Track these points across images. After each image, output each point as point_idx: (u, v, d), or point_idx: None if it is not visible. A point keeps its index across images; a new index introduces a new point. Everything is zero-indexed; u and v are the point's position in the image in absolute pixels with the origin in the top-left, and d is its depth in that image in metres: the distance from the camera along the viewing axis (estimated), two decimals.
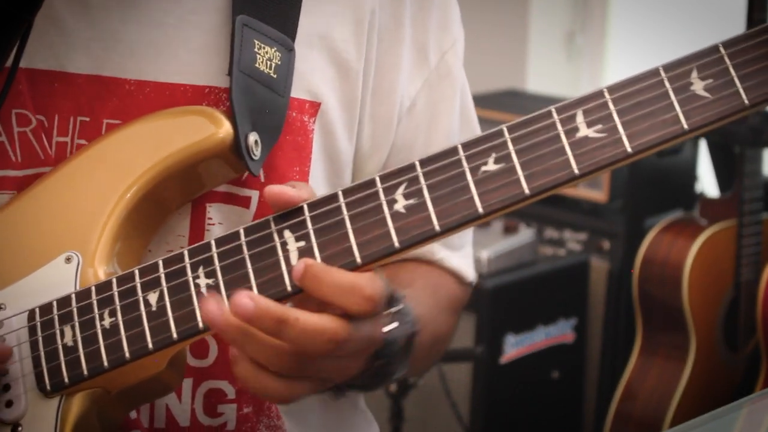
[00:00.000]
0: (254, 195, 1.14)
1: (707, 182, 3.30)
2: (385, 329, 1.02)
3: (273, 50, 1.11)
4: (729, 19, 3.38)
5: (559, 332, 3.10)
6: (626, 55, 3.99)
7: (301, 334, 0.91)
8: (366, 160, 1.22)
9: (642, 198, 3.17)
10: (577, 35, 4.05)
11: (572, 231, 3.22)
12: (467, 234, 1.34)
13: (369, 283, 0.92)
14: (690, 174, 3.27)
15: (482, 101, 3.18)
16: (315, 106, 1.16)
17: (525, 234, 3.18)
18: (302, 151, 1.16)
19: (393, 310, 1.05)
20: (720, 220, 2.94)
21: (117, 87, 1.10)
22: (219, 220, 1.13)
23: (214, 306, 0.91)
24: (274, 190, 0.96)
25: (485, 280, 2.95)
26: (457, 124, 1.28)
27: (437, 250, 1.28)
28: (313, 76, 1.16)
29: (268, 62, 1.11)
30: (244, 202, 1.13)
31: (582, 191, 3.21)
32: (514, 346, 2.99)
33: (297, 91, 1.15)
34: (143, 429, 1.13)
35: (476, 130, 1.32)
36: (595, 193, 3.18)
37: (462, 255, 1.32)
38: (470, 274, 1.33)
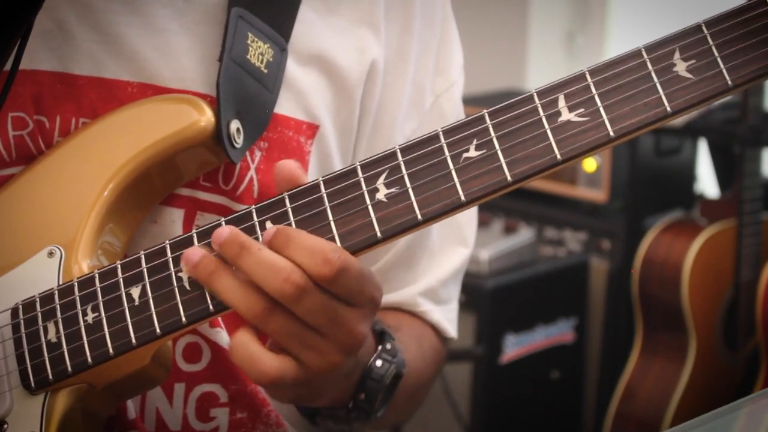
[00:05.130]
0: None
1: (707, 182, 3.30)
2: (377, 364, 1.05)
3: (266, 46, 1.11)
4: None
5: (559, 332, 3.10)
6: None
7: (259, 263, 0.93)
8: None
9: (642, 198, 3.17)
10: (577, 35, 4.05)
11: (572, 231, 3.22)
12: (455, 290, 1.33)
13: (333, 249, 0.93)
14: (690, 174, 3.27)
15: (482, 101, 3.17)
16: (313, 128, 1.16)
17: (525, 234, 3.18)
18: None
19: (384, 347, 1.06)
20: (720, 220, 2.94)
21: (119, 90, 1.10)
22: None
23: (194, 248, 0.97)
24: (286, 163, 0.97)
25: (485, 280, 2.95)
26: None
27: (421, 302, 1.28)
28: (312, 97, 1.16)
29: (260, 56, 1.11)
30: None
31: (582, 191, 3.21)
32: (514, 346, 2.99)
33: (295, 112, 1.15)
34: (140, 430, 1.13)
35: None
36: (595, 193, 3.18)
37: (447, 310, 1.31)
38: (450, 330, 1.31)
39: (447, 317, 1.30)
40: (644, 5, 4.03)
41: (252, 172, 1.13)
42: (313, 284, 0.93)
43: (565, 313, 3.10)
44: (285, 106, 1.14)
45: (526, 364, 3.01)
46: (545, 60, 3.98)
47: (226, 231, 0.94)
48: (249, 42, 1.10)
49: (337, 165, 1.19)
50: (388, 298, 1.26)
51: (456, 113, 1.27)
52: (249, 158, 1.13)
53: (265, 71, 1.11)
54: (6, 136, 1.09)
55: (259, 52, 1.11)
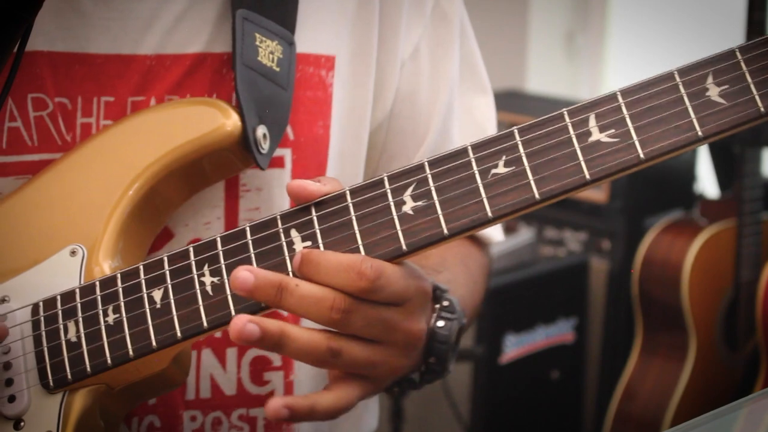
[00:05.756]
0: (287, 153, 1.14)
1: (707, 182, 3.30)
2: (438, 325, 1.04)
3: (274, 43, 1.12)
4: (728, 20, 3.38)
5: (559, 332, 3.10)
6: (626, 55, 3.99)
7: (301, 300, 0.93)
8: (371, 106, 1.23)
9: (642, 198, 3.17)
10: (577, 35, 4.05)
11: (572, 231, 3.22)
12: None
13: (363, 260, 0.93)
14: (690, 174, 3.27)
15: None
16: (330, 60, 1.17)
17: (525, 234, 3.17)
18: (323, 105, 1.17)
19: (442, 305, 1.06)
20: (720, 220, 2.94)
21: (137, 64, 1.11)
22: (256, 186, 1.13)
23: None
24: (294, 185, 0.97)
25: None
26: (457, 70, 1.28)
27: None
28: (324, 30, 1.17)
29: (270, 55, 1.11)
30: (278, 162, 1.14)
31: (582, 191, 3.21)
32: (514, 346, 2.99)
33: (311, 47, 1.16)
34: (188, 401, 1.14)
35: (481, 76, 1.32)
36: (595, 193, 3.18)
37: None
38: (495, 234, 1.32)
39: None
40: (644, 5, 4.02)
41: None
42: (358, 301, 0.93)
43: (565, 313, 3.10)
44: (300, 43, 1.15)
45: (526, 364, 3.01)
46: (545, 60, 3.98)
47: (249, 278, 0.93)
48: (258, 43, 1.10)
49: (360, 92, 1.19)
50: None
51: (459, 13, 1.28)
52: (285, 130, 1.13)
53: (277, 69, 1.11)
54: (27, 117, 1.09)
55: (269, 51, 1.11)
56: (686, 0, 3.84)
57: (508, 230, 3.16)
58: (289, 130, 1.14)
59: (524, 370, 3.01)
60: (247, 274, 0.92)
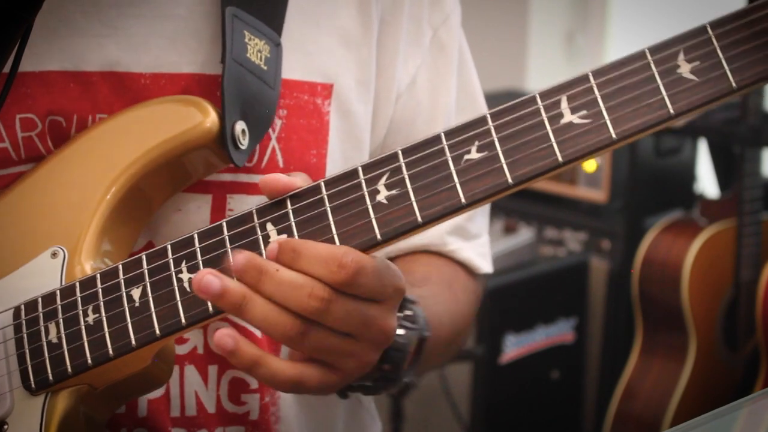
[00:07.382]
0: None
1: (707, 182, 3.30)
2: (398, 333, 1.03)
3: (262, 42, 1.11)
4: None
5: (559, 332, 3.10)
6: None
7: (280, 285, 0.92)
8: None
9: (642, 198, 3.17)
10: (577, 35, 4.05)
11: (572, 231, 3.22)
12: (483, 223, 1.32)
13: (345, 252, 0.92)
14: (690, 174, 3.27)
15: None
16: (327, 88, 1.16)
17: (525, 234, 3.18)
18: (318, 134, 1.16)
19: (404, 314, 1.05)
20: (720, 220, 2.95)
21: (132, 82, 1.10)
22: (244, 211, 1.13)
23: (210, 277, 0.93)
24: (266, 178, 0.97)
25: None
26: (454, 101, 1.28)
27: (450, 241, 1.27)
28: (322, 57, 1.16)
29: (258, 53, 1.11)
30: None
31: (582, 191, 3.21)
32: (514, 346, 2.99)
33: (308, 74, 1.15)
34: (173, 418, 1.14)
35: (479, 106, 1.31)
36: (595, 193, 3.18)
37: (477, 245, 1.31)
38: (483, 265, 1.31)
39: (478, 252, 1.30)
40: (644, 5, 4.03)
41: (273, 142, 1.13)
42: (337, 292, 0.93)
43: (565, 313, 3.10)
44: (296, 70, 1.15)
45: (526, 364, 3.01)
46: (545, 60, 3.99)
47: (242, 258, 0.93)
48: (246, 41, 1.10)
49: (360, 118, 1.19)
50: (416, 240, 1.25)
51: (457, 43, 1.27)
52: (270, 128, 1.13)
53: (265, 68, 1.11)
54: (15, 137, 1.09)
55: (257, 49, 1.11)
56: (686, 0, 3.84)
57: (508, 230, 3.16)
58: (279, 157, 1.13)
59: (524, 370, 3.01)
60: (239, 255, 0.92)
